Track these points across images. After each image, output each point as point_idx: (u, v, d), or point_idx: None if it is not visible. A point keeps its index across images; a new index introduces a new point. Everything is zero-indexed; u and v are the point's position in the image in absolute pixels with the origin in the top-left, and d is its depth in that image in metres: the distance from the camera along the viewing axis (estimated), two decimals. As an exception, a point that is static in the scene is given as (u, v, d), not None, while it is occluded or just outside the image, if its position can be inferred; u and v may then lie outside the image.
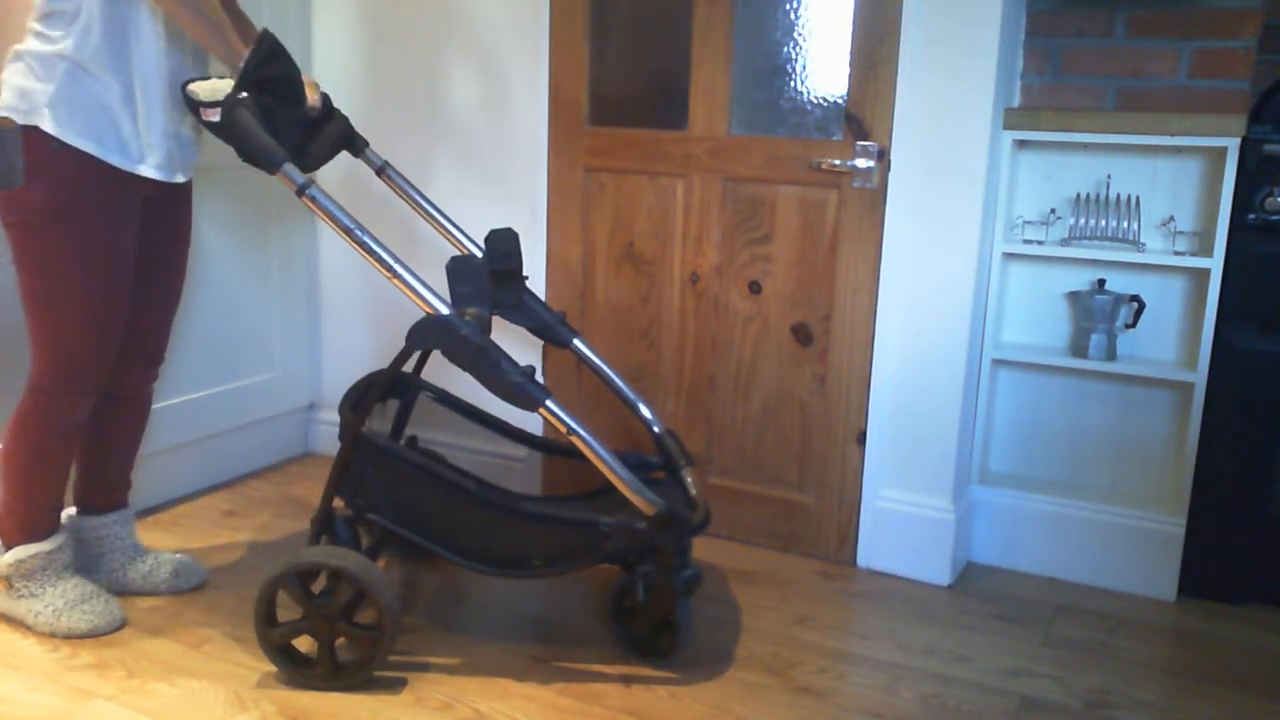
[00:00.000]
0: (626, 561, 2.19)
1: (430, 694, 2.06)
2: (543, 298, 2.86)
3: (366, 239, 1.95)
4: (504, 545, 2.12)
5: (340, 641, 2.06)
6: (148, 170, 2.09)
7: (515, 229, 2.42)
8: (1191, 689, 2.20)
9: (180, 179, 2.18)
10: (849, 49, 2.53)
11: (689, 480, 2.26)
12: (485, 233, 2.26)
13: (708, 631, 2.35)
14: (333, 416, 3.33)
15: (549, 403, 1.99)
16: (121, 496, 2.40)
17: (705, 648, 2.28)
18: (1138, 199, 2.57)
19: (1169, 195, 2.57)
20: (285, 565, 2.02)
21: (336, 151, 2.28)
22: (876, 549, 2.69)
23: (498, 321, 2.43)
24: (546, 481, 3.05)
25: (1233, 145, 2.38)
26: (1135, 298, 2.57)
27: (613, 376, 2.35)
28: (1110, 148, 2.58)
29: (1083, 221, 2.58)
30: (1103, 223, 2.57)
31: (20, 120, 1.98)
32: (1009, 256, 2.67)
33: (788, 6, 2.58)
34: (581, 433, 2.01)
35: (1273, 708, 2.14)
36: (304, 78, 2.14)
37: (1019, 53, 2.63)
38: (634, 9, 2.77)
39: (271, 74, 1.99)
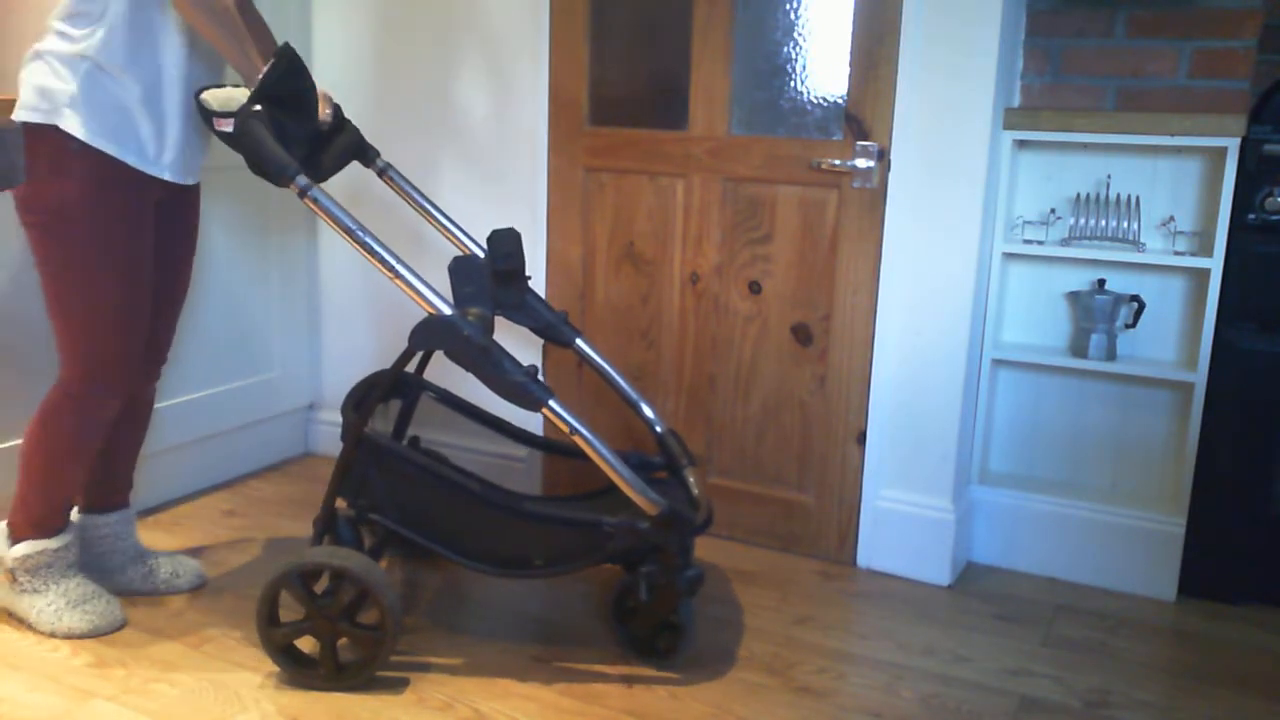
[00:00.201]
0: (629, 561, 2.19)
1: (432, 694, 2.07)
2: (543, 298, 2.85)
3: (368, 239, 1.95)
4: (506, 545, 2.12)
5: (342, 642, 2.07)
6: (164, 172, 2.10)
7: (516, 229, 2.42)
8: (1191, 689, 2.20)
9: (191, 181, 2.19)
10: (849, 49, 2.53)
11: (691, 480, 2.26)
12: (485, 233, 2.26)
13: (708, 631, 2.35)
14: (333, 417, 3.33)
15: (552, 402, 1.99)
16: (123, 496, 2.40)
17: (706, 648, 2.28)
18: (1138, 199, 2.57)
19: (1169, 195, 2.57)
20: (288, 565, 2.02)
21: (346, 163, 2.29)
22: (876, 549, 2.69)
23: (498, 321, 2.43)
24: (548, 482, 3.05)
25: (1233, 145, 2.39)
26: (1135, 298, 2.58)
27: (615, 376, 2.35)
28: (1110, 148, 2.59)
29: (1083, 221, 2.59)
30: (1103, 223, 2.57)
31: (41, 119, 1.98)
32: (1009, 256, 2.67)
33: (788, 6, 2.58)
34: (584, 432, 2.01)
35: (1273, 708, 2.14)
36: (318, 91, 2.14)
37: (1019, 53, 2.63)
38: (634, 9, 2.77)
39: (287, 89, 2.00)
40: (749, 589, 2.57)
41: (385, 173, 2.39)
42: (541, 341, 2.78)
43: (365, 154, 2.33)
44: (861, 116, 2.54)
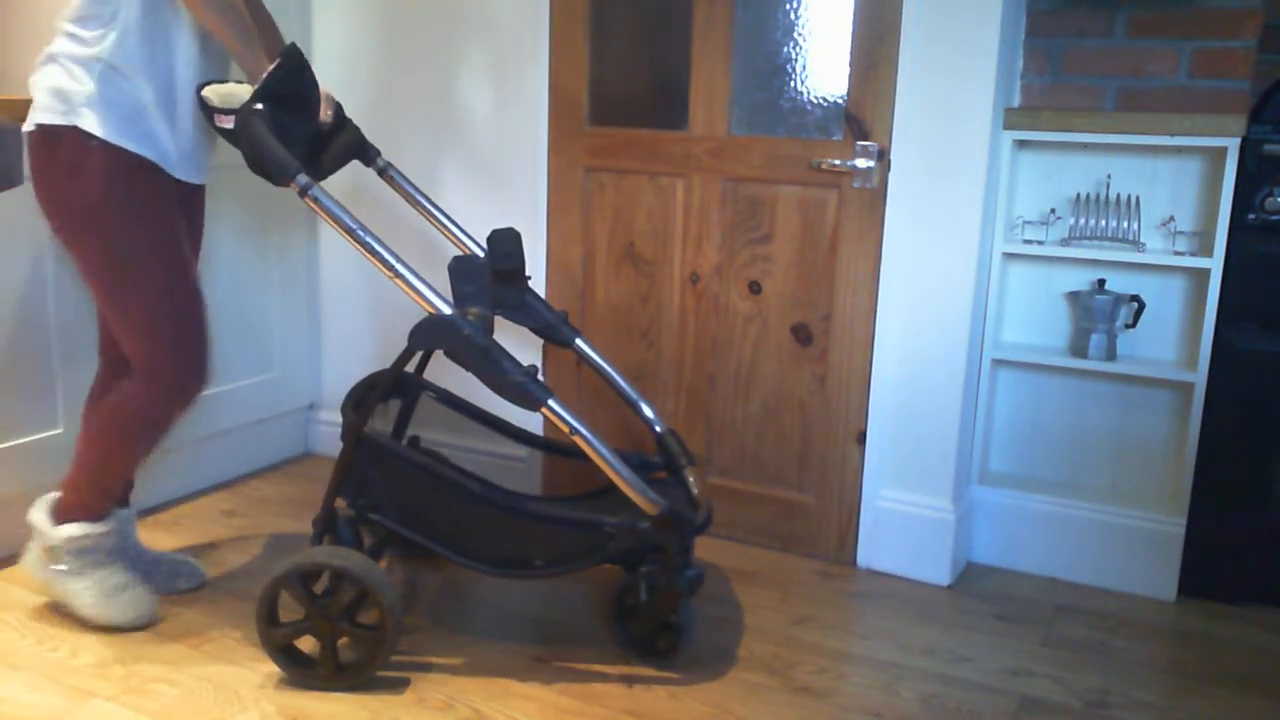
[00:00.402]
0: (629, 561, 2.19)
1: (432, 694, 2.06)
2: (543, 297, 2.85)
3: (368, 239, 1.95)
4: (506, 545, 2.12)
5: (342, 642, 2.07)
6: (177, 171, 2.11)
7: (515, 228, 2.42)
8: (1191, 689, 2.20)
9: (201, 180, 2.21)
10: (849, 49, 2.53)
11: (691, 480, 2.26)
12: (485, 232, 2.26)
13: (708, 631, 2.35)
14: (333, 416, 3.33)
15: (551, 402, 1.99)
16: (123, 496, 2.40)
17: (706, 648, 2.28)
18: (1138, 199, 2.57)
19: (1169, 195, 2.57)
20: (288, 565, 2.02)
21: (346, 162, 2.29)
22: (876, 549, 2.69)
23: (498, 321, 2.43)
24: (547, 481, 3.05)
25: (1233, 145, 2.39)
26: (1135, 298, 2.58)
27: (615, 376, 2.35)
28: (1110, 148, 2.59)
29: (1083, 221, 2.59)
30: (1103, 223, 2.57)
31: (58, 121, 1.99)
32: (1009, 256, 2.67)
33: (788, 6, 2.58)
34: (584, 432, 2.01)
35: (1273, 708, 2.14)
36: (321, 91, 2.15)
37: (1019, 53, 2.63)
38: (634, 9, 2.77)
39: (290, 89, 2.00)
40: (749, 589, 2.57)
41: (385, 172, 2.39)
42: (541, 341, 2.78)
43: (366, 153, 2.33)
44: (861, 116, 2.54)
